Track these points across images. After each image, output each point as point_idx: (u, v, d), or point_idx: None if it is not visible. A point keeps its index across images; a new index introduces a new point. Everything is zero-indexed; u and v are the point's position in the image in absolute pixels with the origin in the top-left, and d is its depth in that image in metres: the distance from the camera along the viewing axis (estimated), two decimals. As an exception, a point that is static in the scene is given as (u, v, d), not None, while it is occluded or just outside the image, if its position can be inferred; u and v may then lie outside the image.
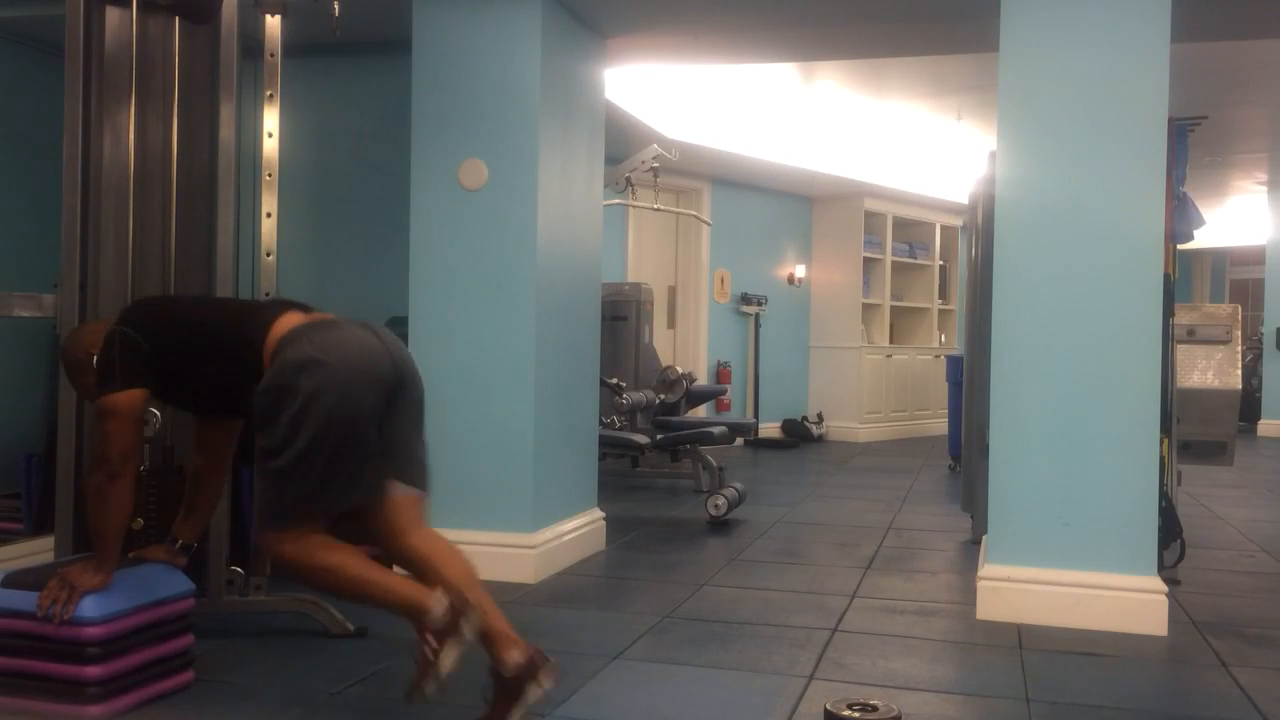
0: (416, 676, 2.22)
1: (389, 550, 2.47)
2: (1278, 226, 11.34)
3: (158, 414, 3.03)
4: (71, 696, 2.41)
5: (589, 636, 3.24)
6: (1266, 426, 11.03)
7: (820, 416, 9.86)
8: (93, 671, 2.41)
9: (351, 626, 3.15)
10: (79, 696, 2.41)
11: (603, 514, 4.63)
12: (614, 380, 5.94)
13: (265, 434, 2.31)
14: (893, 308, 10.29)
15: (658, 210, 7.57)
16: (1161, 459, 3.54)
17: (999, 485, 3.55)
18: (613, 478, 6.40)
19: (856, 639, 3.26)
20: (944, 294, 10.80)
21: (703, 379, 8.68)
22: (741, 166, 8.67)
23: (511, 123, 3.96)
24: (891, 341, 10.32)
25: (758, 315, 9.45)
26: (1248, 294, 14.45)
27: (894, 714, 2.46)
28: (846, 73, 6.93)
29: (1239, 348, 4.45)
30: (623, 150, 7.05)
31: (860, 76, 7.02)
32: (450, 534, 3.68)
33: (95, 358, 2.47)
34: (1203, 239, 6.28)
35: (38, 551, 3.45)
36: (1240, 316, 4.51)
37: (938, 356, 10.25)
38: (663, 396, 6.41)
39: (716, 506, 5.22)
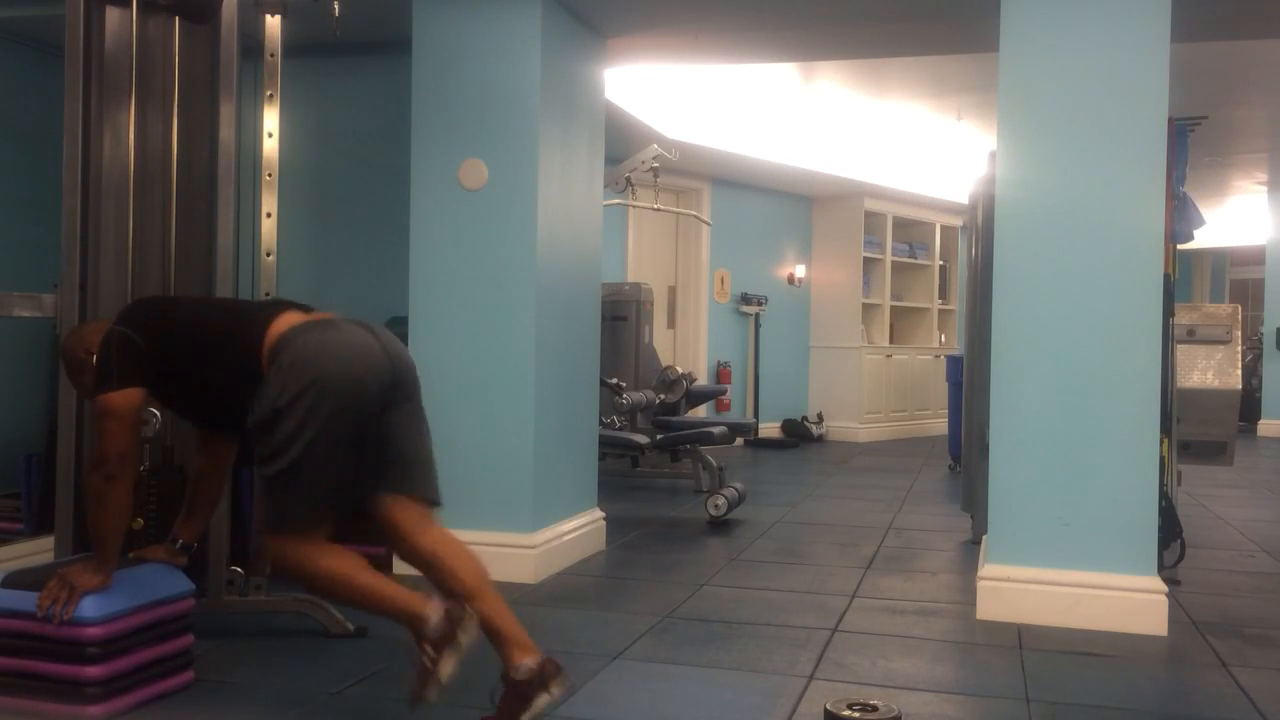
0: (417, 684, 2.23)
1: (400, 552, 2.47)
2: (1278, 226, 11.34)
3: (157, 414, 3.03)
4: (71, 696, 2.41)
5: (589, 636, 3.24)
6: (1266, 426, 11.02)
7: (820, 416, 9.86)
8: (93, 671, 2.41)
9: (351, 626, 3.15)
10: (79, 696, 2.41)
11: (603, 514, 4.63)
12: (614, 380, 5.94)
13: (264, 438, 2.31)
14: (893, 308, 10.29)
15: (658, 210, 7.57)
16: (1161, 459, 3.54)
17: (999, 485, 3.55)
18: (613, 478, 6.39)
19: (856, 639, 3.26)
20: (944, 294, 10.80)
21: (703, 379, 8.69)
22: (741, 166, 8.67)
23: (511, 123, 3.96)
24: (891, 341, 10.32)
25: (758, 315, 9.46)
26: (1248, 294, 14.46)
27: (894, 714, 2.46)
28: (846, 73, 6.92)
29: (1239, 348, 4.45)
30: (623, 150, 7.05)
31: (860, 76, 7.02)
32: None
33: (94, 357, 2.47)
34: (1203, 239, 6.29)
35: (38, 551, 3.45)
36: (1240, 316, 4.52)
37: (938, 356, 10.25)
38: (663, 396, 6.41)
39: (716, 506, 5.22)
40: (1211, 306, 4.94)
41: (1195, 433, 4.39)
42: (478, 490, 3.95)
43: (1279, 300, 11.24)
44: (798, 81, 7.25)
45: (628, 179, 6.96)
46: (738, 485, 5.49)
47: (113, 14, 3.09)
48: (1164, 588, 3.39)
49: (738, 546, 4.71)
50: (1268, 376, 11.11)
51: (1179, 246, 4.03)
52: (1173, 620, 3.38)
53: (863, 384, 9.76)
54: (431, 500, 2.47)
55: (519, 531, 3.93)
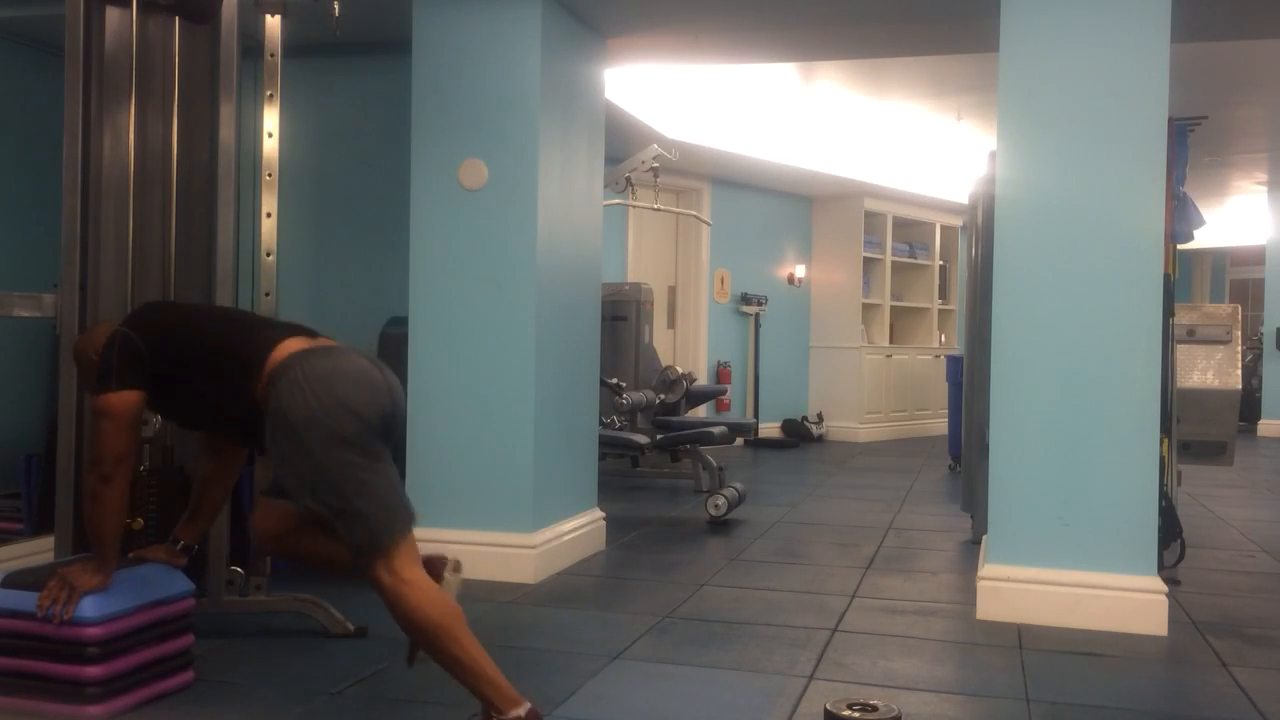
0: None
1: (276, 544, 2.51)
2: (1278, 226, 11.34)
3: (157, 414, 3.02)
4: (71, 696, 2.41)
5: (589, 636, 3.24)
6: (1266, 426, 11.02)
7: (820, 416, 9.86)
8: (93, 671, 2.41)
9: (351, 626, 3.15)
10: (79, 696, 2.41)
11: (603, 514, 4.63)
12: (614, 380, 5.94)
13: (291, 472, 2.27)
14: (893, 308, 10.29)
15: (658, 210, 7.57)
16: (1161, 459, 3.54)
17: (999, 485, 3.55)
18: (613, 478, 6.39)
19: (856, 639, 3.26)
20: (944, 294, 10.80)
21: (703, 379, 8.68)
22: (741, 166, 8.67)
23: (511, 123, 3.96)
24: (891, 341, 10.32)
25: (758, 315, 9.45)
26: (1248, 294, 14.45)
27: (894, 714, 2.46)
28: (846, 73, 6.92)
29: (1239, 348, 4.45)
30: (623, 150, 7.05)
31: (860, 76, 7.02)
32: (450, 534, 3.72)
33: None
34: (1203, 239, 6.29)
35: (38, 551, 3.45)
36: (1240, 316, 4.52)
37: (938, 356, 10.24)
38: (663, 396, 6.41)
39: (716, 506, 5.22)
40: (1211, 306, 4.94)
41: (1195, 433, 4.39)
42: (478, 490, 3.95)
43: (1279, 300, 11.24)
44: (798, 81, 7.25)
45: (628, 179, 6.96)
46: (738, 485, 5.49)
47: (113, 14, 3.08)
48: (1164, 588, 3.39)
49: (738, 546, 4.71)
50: (1268, 376, 11.11)
51: (1179, 246, 4.03)
52: (1173, 620, 3.38)
53: (863, 384, 9.76)
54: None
55: (519, 531, 3.93)
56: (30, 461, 4.10)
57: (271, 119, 3.33)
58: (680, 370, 6.59)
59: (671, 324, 9.04)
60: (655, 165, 6.88)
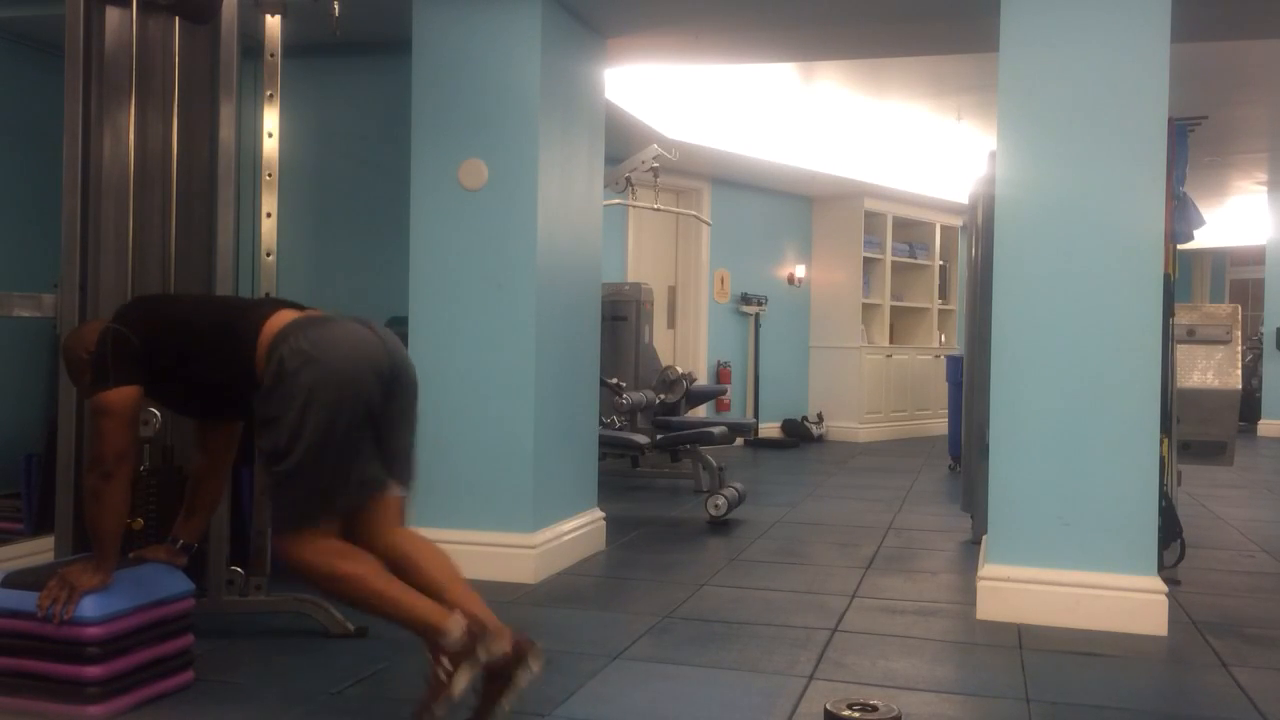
0: (427, 697, 2.21)
1: (368, 548, 2.43)
2: (1278, 226, 11.34)
3: (157, 414, 3.02)
4: (71, 696, 2.41)
5: (589, 636, 3.24)
6: (1266, 426, 11.02)
7: (820, 416, 9.86)
8: (93, 671, 2.41)
9: (351, 626, 3.15)
10: (79, 696, 2.41)
11: (603, 514, 4.63)
12: (614, 380, 5.94)
13: (268, 436, 2.30)
14: (893, 308, 10.29)
15: (658, 210, 7.57)
16: (1161, 459, 3.54)
17: (999, 485, 3.55)
18: (613, 478, 6.40)
19: (856, 639, 3.26)
20: (944, 294, 10.80)
21: (703, 379, 8.68)
22: (741, 166, 8.67)
23: (511, 123, 3.96)
24: (891, 341, 10.32)
25: (758, 315, 9.46)
26: (1248, 294, 14.46)
27: (894, 714, 2.46)
28: (846, 73, 6.93)
29: (1239, 348, 4.45)
30: (623, 150, 7.05)
31: (860, 76, 7.02)
32: (450, 534, 3.72)
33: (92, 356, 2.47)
34: (1203, 239, 6.29)
35: (38, 551, 3.45)
36: (1240, 316, 4.52)
37: (938, 356, 10.25)
38: (663, 396, 6.41)
39: (716, 506, 5.22)
40: (1211, 306, 4.94)
41: (1195, 433, 4.39)
42: (478, 490, 3.95)
43: (1279, 300, 11.24)
44: (798, 81, 7.25)
45: (628, 179, 6.96)
46: (738, 485, 5.49)
47: (113, 14, 3.08)
48: (1164, 588, 3.39)
49: (738, 546, 4.71)
50: (1268, 376, 11.11)
51: (1179, 246, 4.03)
52: (1173, 620, 3.38)
53: (863, 384, 9.76)
54: (406, 486, 2.48)
55: (519, 531, 3.93)
56: (30, 461, 4.10)
57: (271, 119, 3.33)
58: (680, 370, 6.59)
59: (671, 324, 9.04)
60: (655, 165, 6.88)
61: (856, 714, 2.45)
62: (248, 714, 2.53)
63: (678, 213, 8.51)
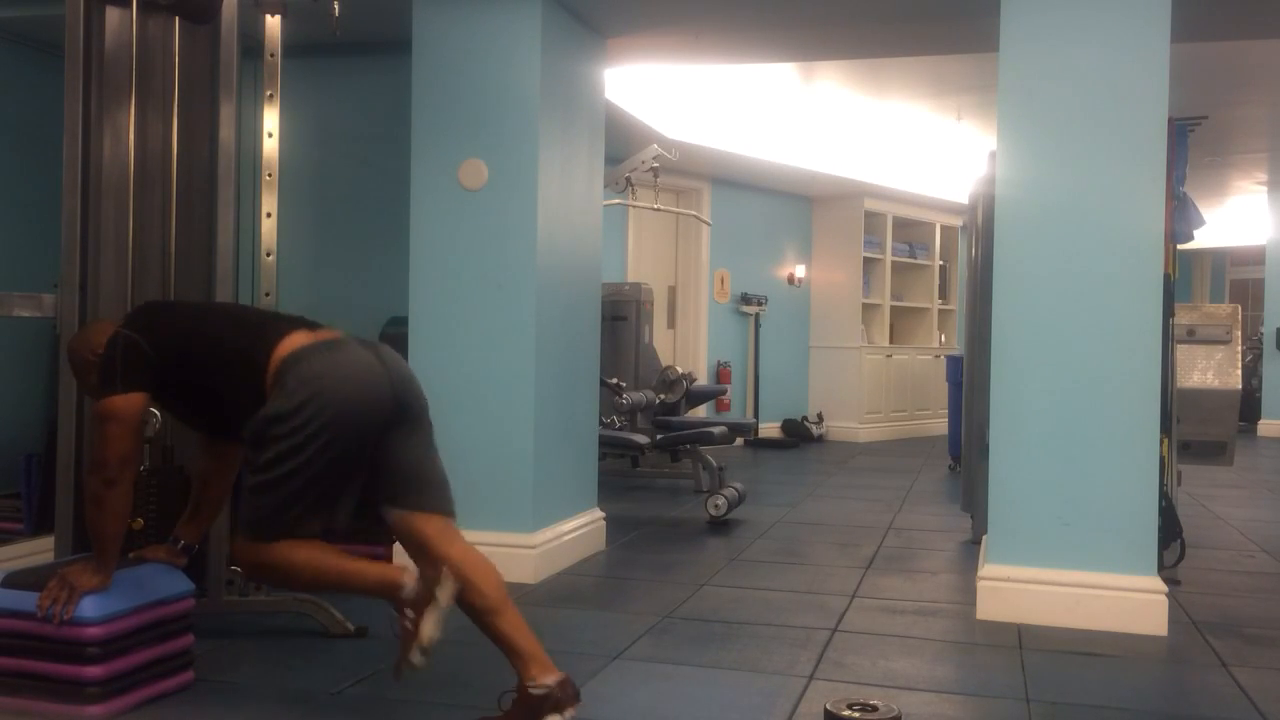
0: (401, 650, 2.23)
1: (421, 565, 2.42)
2: (1278, 226, 11.34)
3: (158, 414, 3.02)
4: (71, 696, 2.41)
5: (589, 636, 3.24)
6: (1266, 426, 11.02)
7: (820, 416, 9.86)
8: (93, 671, 2.41)
9: (351, 626, 3.15)
10: (79, 696, 2.41)
11: (603, 514, 4.63)
12: (614, 380, 5.94)
13: (257, 449, 2.31)
14: (893, 308, 10.29)
15: (658, 210, 7.57)
16: (1161, 459, 3.54)
17: (999, 485, 3.55)
18: (613, 478, 6.39)
19: (856, 639, 3.26)
20: (944, 294, 10.80)
21: (703, 379, 8.68)
22: (741, 166, 8.67)
23: (511, 123, 3.96)
24: (891, 341, 10.32)
25: (758, 315, 9.46)
26: (1248, 294, 14.45)
27: (894, 714, 2.46)
28: (846, 73, 6.92)
29: (1239, 348, 4.46)
30: (623, 150, 7.05)
31: (860, 76, 7.02)
32: (450, 534, 3.71)
33: (99, 359, 2.46)
34: (1203, 239, 6.28)
35: (38, 551, 3.45)
36: (1240, 316, 4.52)
37: (938, 356, 10.24)
38: (663, 396, 6.41)
39: (716, 506, 5.22)
40: (1211, 306, 4.94)
41: (1195, 433, 4.39)
42: (478, 490, 3.94)
43: (1279, 300, 11.24)
44: (798, 81, 7.25)
45: (628, 179, 6.95)
46: (738, 485, 5.49)
47: (113, 14, 3.08)
48: (1164, 588, 3.39)
49: (738, 546, 4.71)
50: (1268, 376, 11.11)
51: (1179, 246, 4.03)
52: (1173, 620, 3.38)
53: (863, 384, 9.76)
54: (447, 513, 2.47)
55: (519, 531, 3.93)
56: (30, 461, 4.10)
57: (271, 119, 3.33)
58: (680, 370, 6.59)
59: (671, 324, 9.04)
60: (655, 165, 6.88)
61: (856, 714, 2.45)
62: (248, 714, 2.53)
63: (678, 213, 8.51)
